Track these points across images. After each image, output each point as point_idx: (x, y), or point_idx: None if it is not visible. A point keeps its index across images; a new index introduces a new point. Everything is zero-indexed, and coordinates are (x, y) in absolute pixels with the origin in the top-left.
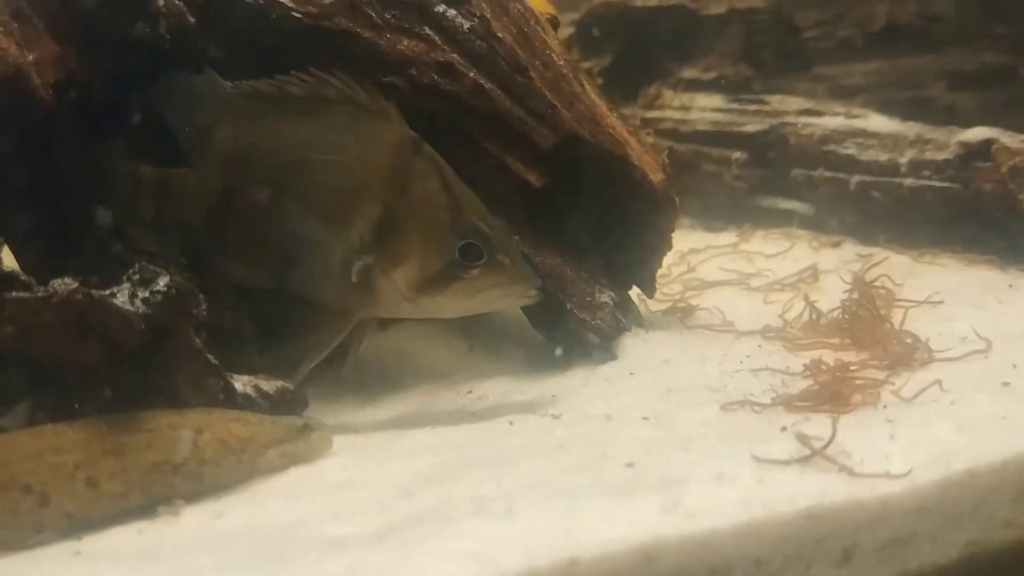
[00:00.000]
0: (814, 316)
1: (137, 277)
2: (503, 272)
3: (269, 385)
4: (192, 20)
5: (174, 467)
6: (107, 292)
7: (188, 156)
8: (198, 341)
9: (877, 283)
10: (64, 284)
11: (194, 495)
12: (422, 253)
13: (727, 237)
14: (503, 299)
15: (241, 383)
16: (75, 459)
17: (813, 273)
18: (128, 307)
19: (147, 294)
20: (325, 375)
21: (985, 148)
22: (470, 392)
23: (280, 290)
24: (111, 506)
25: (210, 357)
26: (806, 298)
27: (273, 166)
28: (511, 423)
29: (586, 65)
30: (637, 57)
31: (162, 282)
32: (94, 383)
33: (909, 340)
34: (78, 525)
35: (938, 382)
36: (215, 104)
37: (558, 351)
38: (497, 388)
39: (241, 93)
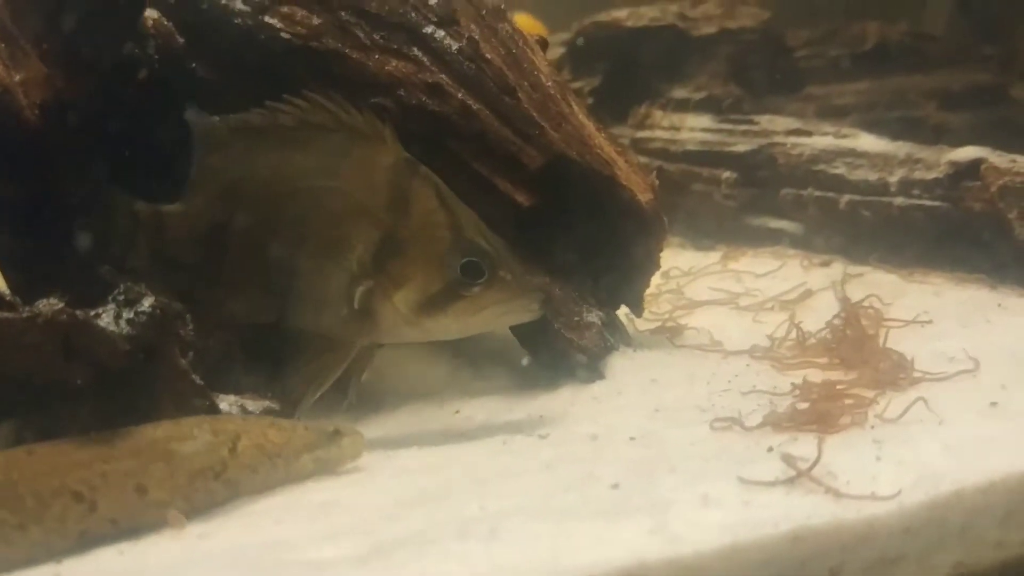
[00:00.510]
0: (802, 336)
1: (122, 298)
2: (505, 288)
3: (255, 405)
4: (181, 41)
5: (216, 473)
6: (92, 313)
7: (180, 192)
8: (183, 362)
9: (865, 303)
10: (49, 305)
11: (231, 501)
12: (424, 273)
13: (717, 256)
14: (506, 315)
15: (227, 403)
16: (126, 466)
17: (803, 292)
18: (113, 328)
19: (132, 315)
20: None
21: (975, 167)
22: (457, 412)
23: (282, 324)
24: (155, 513)
25: (195, 377)
26: (792, 318)
27: (268, 197)
28: (498, 443)
29: (576, 85)
30: (627, 77)
31: (147, 303)
32: (80, 403)
33: (897, 360)
34: (121, 532)
35: (921, 399)
36: (203, 139)
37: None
38: (485, 408)
39: (230, 126)
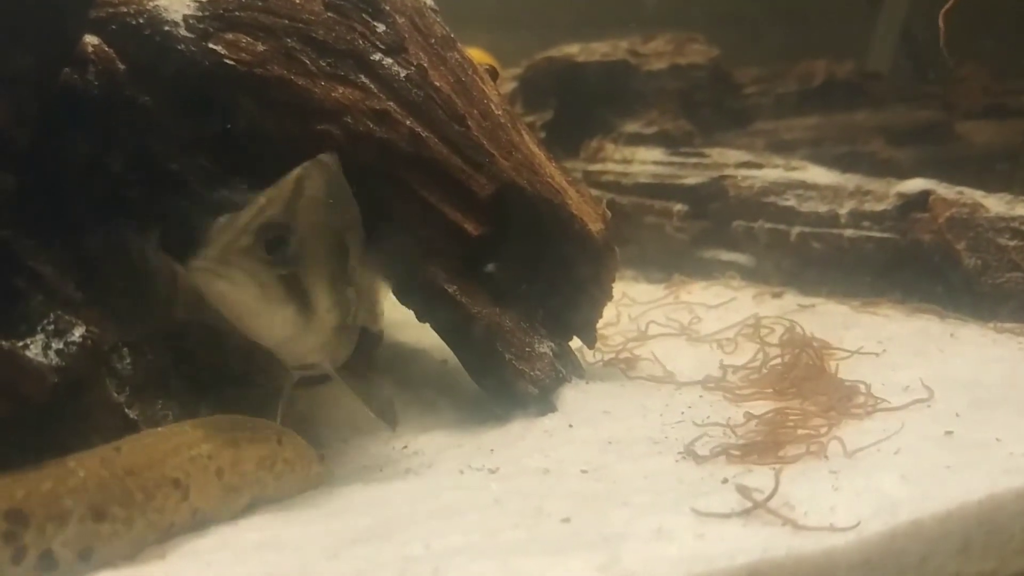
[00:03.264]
0: (756, 366)
1: (52, 327)
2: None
3: None
4: (122, 67)
5: (271, 463)
6: (20, 343)
7: None
8: (116, 395)
9: (817, 334)
10: None
11: (274, 498)
12: None
13: (669, 288)
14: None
15: None
16: (208, 450)
17: (755, 323)
18: (41, 359)
19: (61, 345)
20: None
21: (923, 199)
22: (405, 447)
23: None
24: (225, 502)
25: (128, 412)
26: (762, 345)
27: None
28: (446, 478)
29: (529, 119)
30: (579, 111)
31: (77, 333)
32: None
33: (852, 389)
34: (199, 522)
35: (873, 434)
36: None
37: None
38: (434, 442)
39: None
